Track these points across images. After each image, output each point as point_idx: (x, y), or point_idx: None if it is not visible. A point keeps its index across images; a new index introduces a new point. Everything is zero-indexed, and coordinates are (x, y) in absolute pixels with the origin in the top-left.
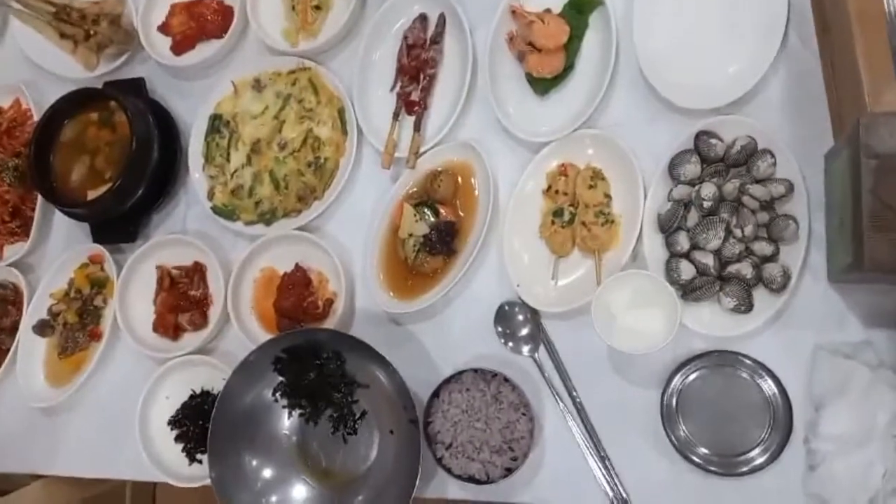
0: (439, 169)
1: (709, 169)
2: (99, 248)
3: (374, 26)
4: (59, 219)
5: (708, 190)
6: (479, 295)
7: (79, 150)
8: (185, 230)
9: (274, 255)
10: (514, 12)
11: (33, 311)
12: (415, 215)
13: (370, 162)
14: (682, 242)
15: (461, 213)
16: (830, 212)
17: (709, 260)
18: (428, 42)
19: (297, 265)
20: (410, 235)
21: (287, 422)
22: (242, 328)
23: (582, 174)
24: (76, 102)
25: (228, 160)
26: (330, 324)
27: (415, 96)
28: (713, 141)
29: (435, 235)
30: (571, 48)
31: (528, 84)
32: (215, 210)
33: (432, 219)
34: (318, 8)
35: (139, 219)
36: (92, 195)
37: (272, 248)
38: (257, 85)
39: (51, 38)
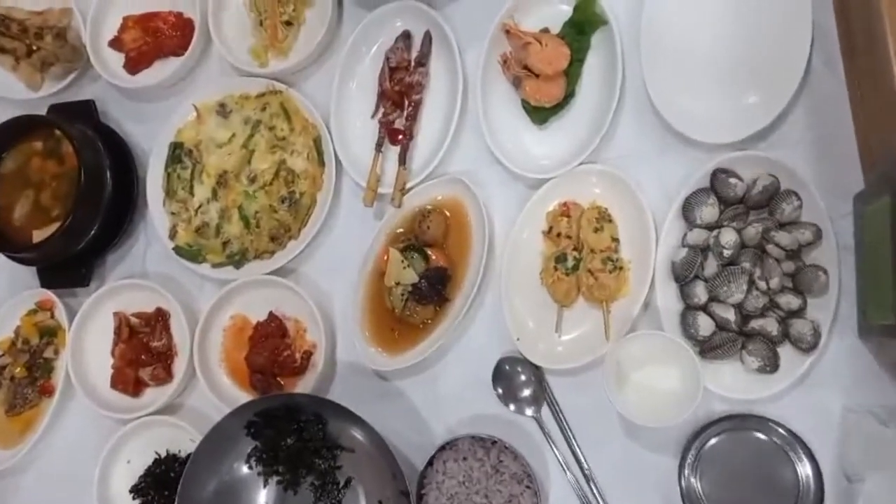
0: (428, 207)
1: (728, 212)
2: (48, 294)
3: (352, 45)
4: (2, 258)
5: (728, 237)
6: (475, 347)
7: (21, 183)
8: (144, 272)
9: (245, 302)
10: (507, 32)
11: None
12: (402, 261)
13: (351, 197)
14: (700, 294)
15: (452, 257)
16: (862, 260)
17: (730, 314)
18: (412, 64)
19: (271, 314)
20: (398, 284)
21: (264, 492)
22: (211, 384)
23: (586, 215)
24: (16, 130)
25: (192, 194)
26: (309, 378)
27: (399, 124)
28: (732, 180)
29: (425, 284)
30: (572, 73)
31: (524, 111)
32: (178, 251)
33: (422, 265)
34: (288, 24)
35: (92, 260)
36: (38, 235)
37: (243, 293)
38: (222, 110)
39: None
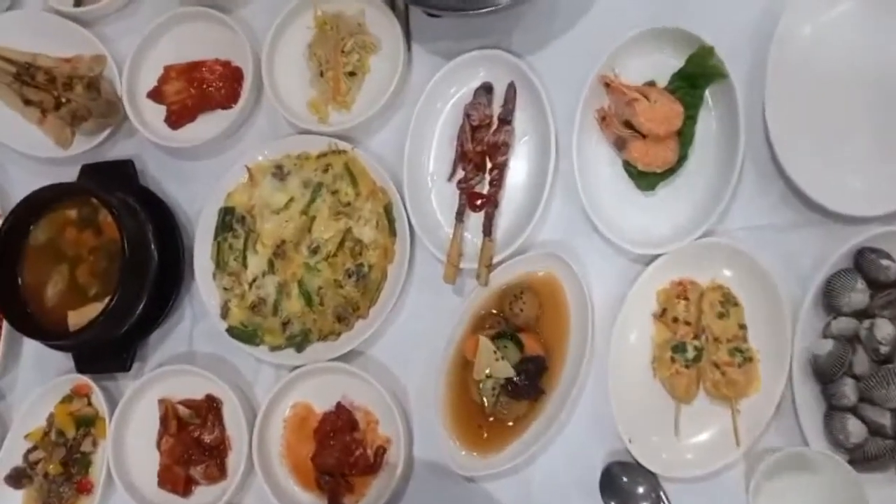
0: (519, 287)
1: (879, 298)
2: (84, 379)
3: (426, 99)
4: None
5: (885, 330)
6: (575, 445)
7: (54, 257)
8: (192, 353)
9: (308, 389)
10: (608, 85)
11: (5, 456)
12: (495, 352)
13: (426, 270)
14: (849, 394)
15: (548, 343)
16: None
17: (885, 419)
18: (495, 121)
19: (339, 405)
20: (489, 377)
21: None
22: (271, 483)
23: (708, 297)
24: (48, 199)
25: (245, 266)
26: (384, 479)
27: (480, 188)
28: (884, 262)
29: (522, 379)
30: (685, 133)
31: (627, 175)
32: (232, 332)
33: (516, 355)
34: (352, 74)
35: (135, 342)
36: (74, 317)
37: (306, 379)
38: (279, 172)
39: (11, 104)
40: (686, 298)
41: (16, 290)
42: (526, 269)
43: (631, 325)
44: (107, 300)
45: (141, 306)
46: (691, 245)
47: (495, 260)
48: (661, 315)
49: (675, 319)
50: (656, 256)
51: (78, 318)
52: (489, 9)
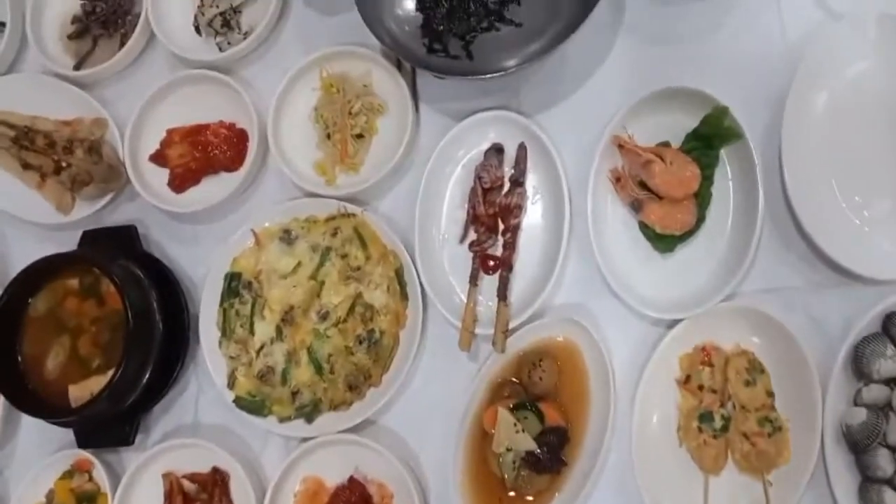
0: (538, 354)
1: None
2: (85, 454)
3: (435, 161)
4: None
5: None
6: None
7: (55, 329)
8: (196, 423)
9: (319, 462)
10: (621, 146)
11: None
12: (515, 424)
13: (439, 335)
14: (885, 465)
15: (568, 412)
16: None
17: None
18: (507, 182)
19: (351, 478)
20: (509, 450)
21: None
22: None
23: (734, 364)
24: (48, 270)
25: (252, 333)
26: None
27: (493, 250)
28: None
29: (545, 452)
30: (703, 194)
31: (643, 236)
32: (239, 403)
33: (537, 426)
34: (360, 136)
35: (138, 415)
36: (75, 391)
37: (317, 452)
38: (287, 236)
39: (10, 168)
40: (710, 365)
41: (15, 364)
42: (543, 334)
43: (654, 392)
44: (110, 373)
45: (145, 378)
46: (713, 309)
47: (511, 325)
48: (685, 382)
49: (701, 387)
50: (678, 320)
51: (80, 391)
52: (496, 73)
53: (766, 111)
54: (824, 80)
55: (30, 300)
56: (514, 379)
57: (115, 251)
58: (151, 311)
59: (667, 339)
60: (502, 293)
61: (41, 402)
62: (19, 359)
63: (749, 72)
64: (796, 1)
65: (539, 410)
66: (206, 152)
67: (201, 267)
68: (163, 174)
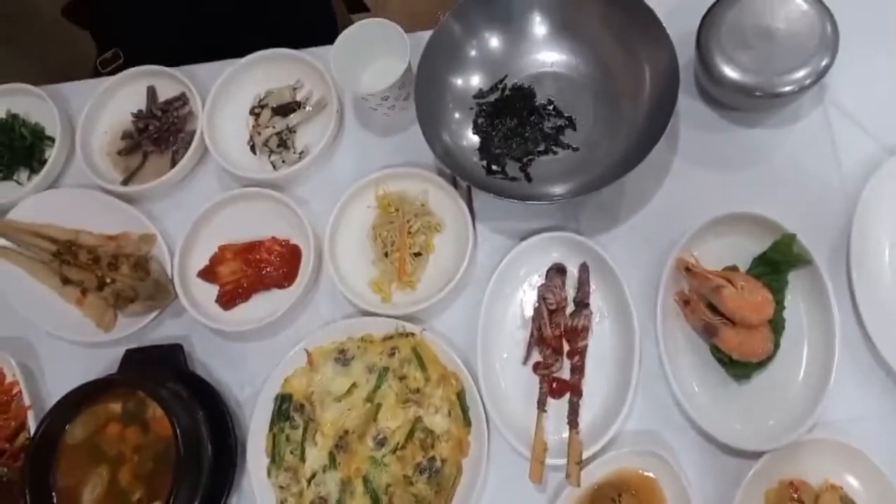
0: (616, 489)
1: None
2: None
3: (496, 281)
4: None
5: None
6: None
7: (93, 458)
8: None
9: None
10: (688, 270)
11: None
12: None
13: (506, 462)
14: None
15: None
16: None
17: None
18: (571, 304)
19: None
20: None
21: None
22: None
23: (826, 500)
24: (90, 394)
25: (304, 460)
26: None
27: (560, 373)
28: None
29: None
30: (776, 320)
31: (717, 361)
32: None
33: None
34: (417, 254)
35: None
36: None
37: None
38: (342, 356)
39: (49, 284)
40: (800, 501)
41: (48, 498)
42: (618, 466)
43: None
44: None
45: None
46: (798, 442)
47: (584, 455)
48: None
49: None
50: (760, 453)
51: None
52: (553, 201)
53: (826, 236)
54: (885, 217)
55: (67, 426)
56: None
57: (161, 372)
58: (202, 437)
59: (750, 474)
60: (573, 421)
61: None
62: (52, 493)
63: (804, 196)
64: (848, 133)
65: None
66: (258, 269)
67: (248, 387)
68: (210, 290)
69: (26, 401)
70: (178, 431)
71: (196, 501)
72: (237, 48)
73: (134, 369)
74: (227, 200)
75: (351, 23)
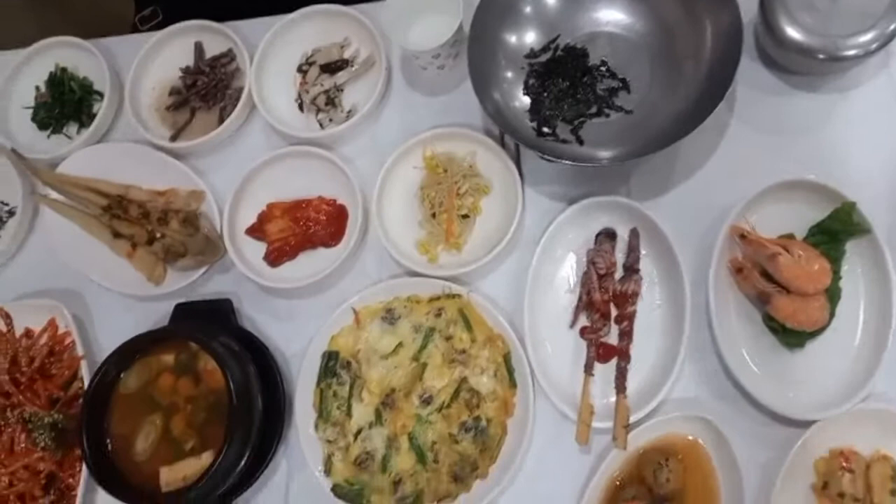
0: (663, 453)
1: None
2: None
3: (546, 243)
4: None
5: None
6: None
7: (146, 407)
8: None
9: None
10: (743, 237)
11: None
12: None
13: (551, 424)
14: None
15: None
16: None
17: None
18: (620, 269)
19: None
20: None
21: None
22: None
23: (876, 470)
24: (145, 345)
25: (350, 416)
26: None
27: (607, 338)
28: None
29: None
30: (832, 290)
31: (769, 330)
32: (337, 492)
33: None
34: (465, 216)
35: (228, 501)
36: (167, 474)
37: None
38: (389, 315)
39: (100, 237)
40: (850, 471)
41: (103, 444)
42: (666, 431)
43: (789, 499)
44: (204, 455)
45: (242, 463)
46: (850, 411)
47: (631, 420)
48: (823, 488)
49: (841, 494)
50: (810, 422)
51: (171, 474)
52: (606, 163)
53: (886, 205)
54: None
55: (122, 376)
56: (635, 478)
57: (212, 326)
58: (252, 390)
59: (800, 442)
60: (621, 385)
61: (132, 485)
62: (108, 439)
63: (864, 164)
64: None
65: None
66: (306, 228)
67: (295, 343)
68: (257, 247)
69: (79, 351)
70: (231, 384)
71: (247, 453)
72: (278, 5)
73: (184, 323)
74: (274, 158)
75: None
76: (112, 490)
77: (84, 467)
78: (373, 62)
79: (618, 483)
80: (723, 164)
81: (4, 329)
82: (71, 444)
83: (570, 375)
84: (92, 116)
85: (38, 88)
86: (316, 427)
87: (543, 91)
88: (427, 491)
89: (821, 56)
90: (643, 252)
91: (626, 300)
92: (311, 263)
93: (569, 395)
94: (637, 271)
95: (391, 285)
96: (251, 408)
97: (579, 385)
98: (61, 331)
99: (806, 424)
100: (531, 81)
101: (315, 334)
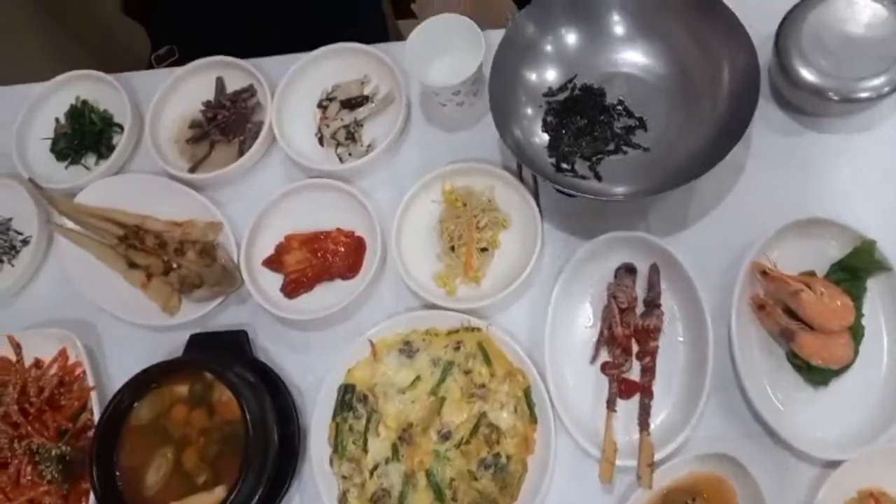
0: (689, 493)
1: None
2: None
3: (565, 278)
4: None
5: None
6: None
7: (158, 440)
8: None
9: None
10: (764, 274)
11: None
12: None
13: (572, 461)
14: None
15: None
16: None
17: None
18: (640, 303)
19: None
20: None
21: None
22: None
23: None
24: (159, 375)
25: (366, 451)
26: None
27: (628, 374)
28: None
29: None
30: (856, 327)
31: (792, 367)
32: None
33: None
34: (484, 250)
35: None
36: None
37: None
38: (407, 348)
39: (115, 267)
40: None
41: (112, 478)
42: (690, 469)
43: None
44: (217, 490)
45: (257, 497)
46: (878, 451)
47: (656, 458)
48: None
49: None
50: (837, 462)
51: None
52: (625, 198)
53: None
54: None
55: (134, 407)
56: None
57: (227, 357)
58: (268, 422)
59: (828, 483)
60: (644, 422)
61: None
62: (117, 472)
63: (881, 202)
64: None
65: None
66: (324, 259)
67: (310, 376)
68: (273, 279)
69: (90, 381)
70: (247, 414)
71: (261, 487)
72: (291, 43)
73: (199, 353)
74: (293, 190)
75: (398, 28)
76: None
77: (90, 501)
78: (392, 98)
79: None
80: (740, 201)
81: (14, 359)
82: (77, 478)
83: (591, 411)
84: (111, 148)
85: (57, 120)
86: (331, 462)
87: (562, 128)
88: None
89: (834, 98)
90: (663, 287)
91: (648, 335)
92: (327, 295)
93: (591, 431)
94: (658, 306)
95: (409, 318)
96: (267, 440)
97: (601, 421)
98: (72, 361)
99: (833, 464)
100: (549, 119)
101: (331, 367)
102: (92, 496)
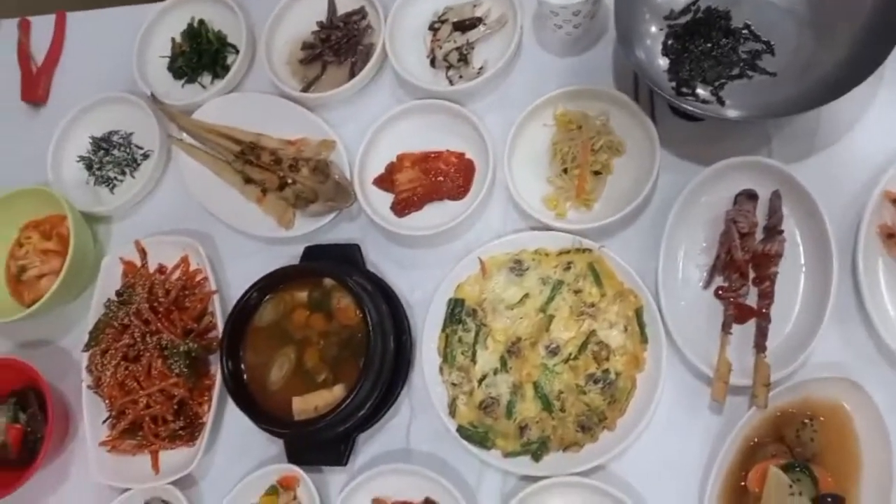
0: (807, 413)
1: None
2: (294, 471)
3: (682, 203)
4: (233, 417)
5: None
6: None
7: (281, 340)
8: (408, 451)
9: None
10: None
11: None
12: (790, 486)
13: (681, 382)
14: None
15: (838, 480)
16: None
17: None
18: (762, 229)
19: None
20: None
21: None
22: None
23: None
24: (283, 279)
25: (474, 362)
26: None
27: (745, 298)
28: None
29: None
30: None
31: None
32: (463, 433)
33: (811, 489)
34: (597, 173)
35: (352, 435)
36: (299, 404)
37: (549, 493)
38: (518, 266)
39: (232, 182)
40: None
41: (239, 372)
42: (806, 392)
43: None
44: (336, 389)
45: (373, 398)
46: None
47: (772, 379)
48: None
49: None
50: None
51: (303, 404)
52: (749, 119)
53: None
54: None
55: (258, 308)
56: (773, 439)
57: (346, 266)
58: (386, 329)
59: None
60: (761, 345)
61: (267, 411)
62: (244, 369)
63: None
64: None
65: (812, 474)
66: (434, 179)
67: (418, 291)
68: (383, 198)
69: (213, 286)
70: (369, 319)
71: (377, 390)
72: None
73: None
74: (405, 111)
75: None
76: (250, 414)
77: (214, 396)
78: (505, 21)
79: (752, 443)
80: (869, 128)
81: (139, 264)
82: (202, 373)
83: (705, 334)
84: (226, 68)
85: (173, 40)
86: (441, 371)
87: (683, 52)
88: (553, 438)
89: None
90: (784, 213)
91: (768, 261)
92: (436, 215)
93: (703, 352)
94: (781, 232)
95: (519, 237)
96: (385, 346)
97: (713, 343)
98: (192, 268)
99: None
100: (670, 42)
101: (441, 281)
102: (216, 389)
